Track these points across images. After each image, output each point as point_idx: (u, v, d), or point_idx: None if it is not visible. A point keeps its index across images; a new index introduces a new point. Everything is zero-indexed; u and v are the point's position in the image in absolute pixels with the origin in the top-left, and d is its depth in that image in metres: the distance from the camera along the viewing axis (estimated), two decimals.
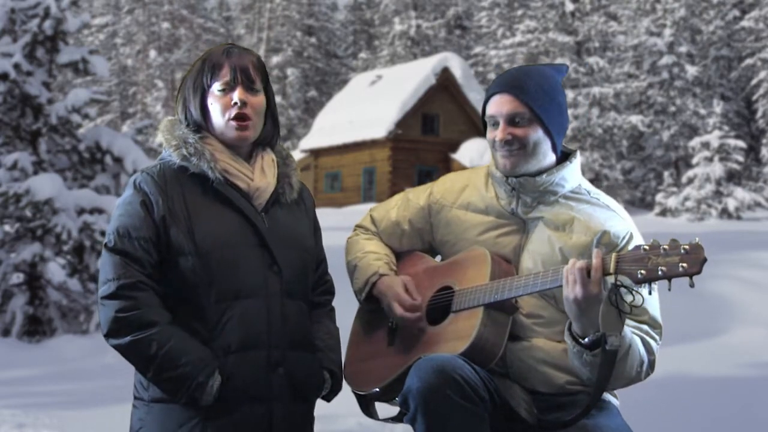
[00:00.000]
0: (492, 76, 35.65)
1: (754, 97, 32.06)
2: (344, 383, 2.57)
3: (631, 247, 2.28)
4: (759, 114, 31.63)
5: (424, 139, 29.96)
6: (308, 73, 45.08)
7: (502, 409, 2.27)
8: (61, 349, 8.77)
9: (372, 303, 2.60)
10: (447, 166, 28.84)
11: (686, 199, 24.40)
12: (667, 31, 30.71)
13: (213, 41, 46.26)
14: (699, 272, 2.06)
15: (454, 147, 29.62)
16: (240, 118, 2.37)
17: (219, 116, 2.39)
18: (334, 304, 2.67)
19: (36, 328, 9.52)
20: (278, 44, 44.78)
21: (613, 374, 2.24)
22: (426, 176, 28.79)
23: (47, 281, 9.56)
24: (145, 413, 2.33)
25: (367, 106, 30.64)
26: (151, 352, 2.23)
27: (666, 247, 2.10)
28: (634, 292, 2.19)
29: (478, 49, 40.10)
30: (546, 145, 2.44)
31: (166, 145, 2.41)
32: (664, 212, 25.04)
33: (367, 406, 2.62)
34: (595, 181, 26.44)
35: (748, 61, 32.55)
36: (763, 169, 30.07)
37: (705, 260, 2.06)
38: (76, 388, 7.13)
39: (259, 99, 2.42)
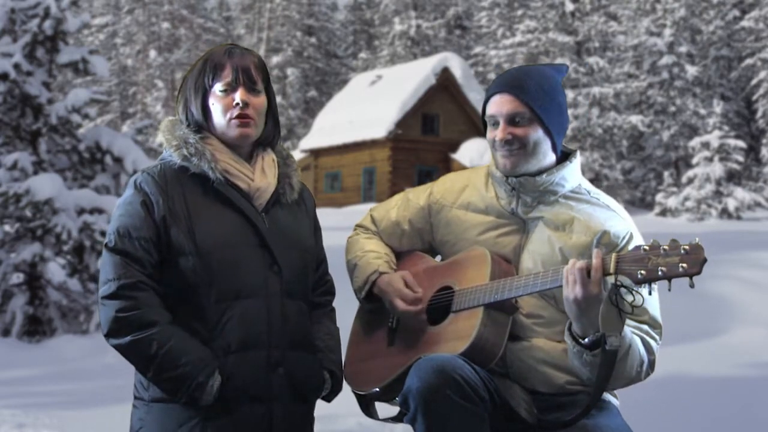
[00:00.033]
0: (492, 76, 35.65)
1: (754, 97, 32.06)
2: (344, 383, 2.57)
3: (631, 247, 2.28)
4: (759, 114, 31.64)
5: (424, 139, 29.96)
6: (308, 73, 45.09)
7: (502, 409, 2.27)
8: (61, 349, 8.77)
9: (372, 302, 2.60)
10: (447, 166, 28.84)
11: (686, 199, 24.41)
12: (667, 31, 30.71)
13: (213, 41, 46.26)
14: (699, 273, 2.06)
15: (454, 147, 29.63)
16: (241, 118, 2.37)
17: (220, 116, 2.39)
18: (334, 304, 2.67)
19: (36, 328, 9.52)
20: (278, 44, 44.79)
21: (613, 374, 2.24)
22: (426, 176, 28.79)
23: (47, 281, 9.56)
24: (145, 413, 2.33)
25: (367, 106, 30.65)
26: (151, 351, 2.23)
27: (666, 247, 2.11)
28: (634, 293, 2.19)
29: (478, 49, 40.11)
30: (546, 145, 2.44)
31: (167, 145, 2.41)
32: (664, 212, 25.05)
33: (367, 406, 2.62)
34: (595, 181, 26.45)
35: (748, 61, 32.55)
36: (763, 169, 30.07)
37: (705, 261, 2.06)
38: (76, 388, 7.13)
39: (261, 99, 2.42)
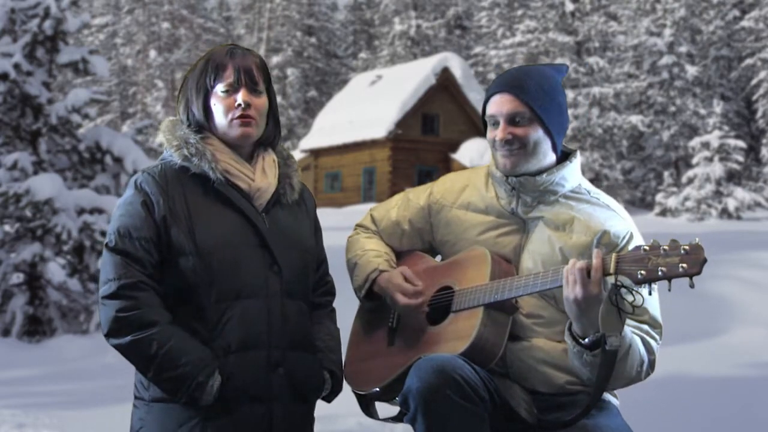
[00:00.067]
0: (492, 76, 35.65)
1: (754, 97, 32.06)
2: (344, 383, 2.57)
3: (631, 246, 2.28)
4: (759, 114, 31.64)
5: (424, 139, 29.96)
6: (308, 73, 45.09)
7: (502, 409, 2.27)
8: (61, 349, 8.78)
9: (371, 300, 2.60)
10: (447, 166, 28.84)
11: (686, 199, 24.41)
12: (667, 31, 30.71)
13: (213, 41, 46.26)
14: (699, 273, 2.06)
15: (454, 147, 29.63)
16: (243, 118, 2.38)
17: (222, 117, 2.39)
18: (334, 304, 2.68)
19: (36, 328, 9.52)
20: (278, 44, 44.79)
21: (614, 374, 2.24)
22: (426, 176, 28.79)
23: (47, 281, 9.56)
24: (146, 413, 2.33)
25: (367, 106, 30.65)
26: (151, 351, 2.23)
27: (666, 247, 2.11)
28: (634, 293, 2.19)
29: (478, 49, 40.11)
30: (546, 145, 2.44)
31: (167, 145, 2.41)
32: (664, 212, 25.05)
33: (367, 405, 2.62)
34: (595, 181, 26.45)
35: (748, 61, 32.55)
36: (763, 169, 30.08)
37: (705, 261, 2.06)
38: (76, 388, 7.13)
39: (262, 100, 2.43)
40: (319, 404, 2.52)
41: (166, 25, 46.49)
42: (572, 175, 2.48)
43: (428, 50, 39.67)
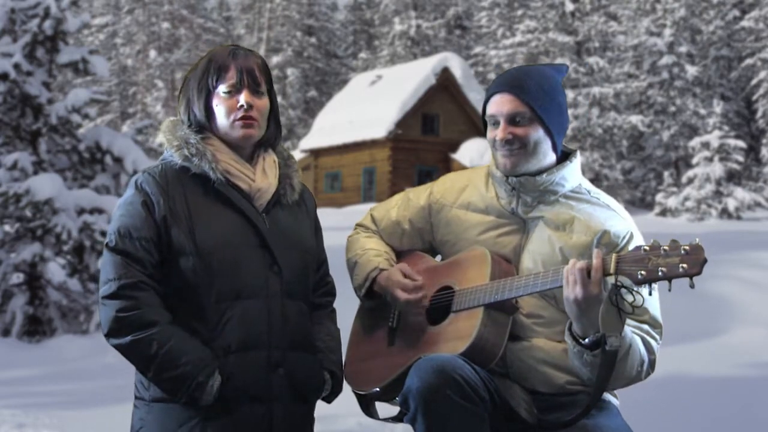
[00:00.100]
0: (492, 76, 35.65)
1: (754, 97, 32.06)
2: (344, 384, 2.57)
3: (631, 246, 2.28)
4: (759, 114, 31.64)
5: (424, 139, 29.96)
6: (308, 73, 45.08)
7: (502, 409, 2.27)
8: (61, 349, 8.78)
9: (372, 299, 2.60)
10: (447, 166, 28.83)
11: (686, 199, 24.41)
12: (667, 31, 30.71)
13: (213, 41, 46.26)
14: (699, 273, 2.06)
15: (454, 147, 29.63)
16: (245, 119, 2.38)
17: (224, 118, 2.39)
18: (334, 304, 2.67)
19: (36, 328, 9.53)
20: (278, 44, 44.78)
21: (614, 374, 2.24)
22: (426, 176, 28.78)
23: (47, 281, 9.56)
24: (146, 413, 2.33)
25: (367, 106, 30.64)
26: (151, 351, 2.24)
27: (666, 247, 2.11)
28: (634, 293, 2.19)
29: (478, 49, 40.10)
30: (546, 145, 2.44)
31: (168, 145, 2.41)
32: (664, 212, 25.05)
33: (367, 405, 2.62)
34: (595, 181, 26.44)
35: (748, 61, 32.55)
36: (763, 169, 30.07)
37: (705, 261, 2.06)
38: (76, 388, 7.13)
39: (264, 101, 2.43)
40: (319, 404, 2.52)
41: (166, 25, 46.49)
42: (572, 175, 2.48)
43: (428, 50, 39.67)
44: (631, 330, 2.31)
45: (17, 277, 9.94)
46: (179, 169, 2.39)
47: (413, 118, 29.62)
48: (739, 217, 23.53)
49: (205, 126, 2.42)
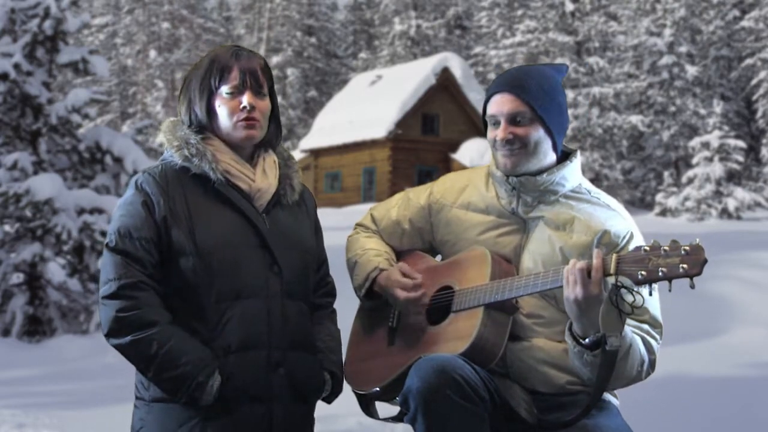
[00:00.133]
0: (492, 76, 35.64)
1: (754, 97, 32.06)
2: (344, 384, 2.57)
3: (631, 246, 2.28)
4: (759, 114, 31.64)
5: (424, 139, 29.96)
6: (308, 73, 45.08)
7: (502, 409, 2.27)
8: (61, 349, 8.78)
9: (372, 300, 2.60)
10: (447, 166, 28.83)
11: (686, 199, 24.41)
12: (667, 31, 30.71)
13: (213, 41, 46.25)
14: (699, 274, 2.06)
15: (454, 147, 29.63)
16: (248, 120, 2.38)
17: (227, 119, 2.39)
18: (335, 305, 2.67)
19: (36, 328, 9.53)
20: (278, 44, 44.78)
21: (614, 374, 2.24)
22: (426, 176, 28.78)
23: (47, 281, 9.56)
24: (146, 413, 2.33)
25: (367, 106, 30.64)
26: (151, 351, 2.24)
27: (667, 248, 2.11)
28: (634, 293, 2.19)
29: (478, 49, 40.10)
30: (547, 145, 2.44)
31: (168, 145, 2.42)
32: (664, 212, 25.04)
33: (367, 405, 2.62)
34: (595, 181, 26.44)
35: (748, 61, 32.55)
36: (763, 169, 30.07)
37: (705, 261, 2.06)
38: (76, 388, 7.13)
39: (266, 103, 2.43)
40: (319, 404, 2.52)
41: (166, 25, 46.48)
42: (572, 175, 2.48)
43: (428, 50, 39.66)
44: (631, 330, 2.31)
45: (17, 277, 9.94)
46: (179, 169, 2.39)
47: (413, 118, 29.62)
48: (739, 217, 23.53)
49: (206, 126, 2.43)
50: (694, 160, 25.45)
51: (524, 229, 2.47)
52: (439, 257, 2.67)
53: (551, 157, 2.47)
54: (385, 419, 2.55)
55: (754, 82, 32.03)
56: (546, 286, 2.29)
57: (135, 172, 9.41)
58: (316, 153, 32.40)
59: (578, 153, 2.53)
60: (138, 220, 2.32)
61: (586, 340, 2.22)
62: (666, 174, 26.64)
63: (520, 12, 35.62)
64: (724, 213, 23.67)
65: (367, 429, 5.06)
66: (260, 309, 2.34)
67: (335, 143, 31.15)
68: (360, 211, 21.12)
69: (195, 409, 2.27)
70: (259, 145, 2.47)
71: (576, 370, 2.30)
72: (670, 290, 2.11)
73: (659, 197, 25.60)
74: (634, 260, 2.13)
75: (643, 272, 2.11)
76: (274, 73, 41.73)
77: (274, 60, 43.04)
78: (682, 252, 2.08)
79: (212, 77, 2.39)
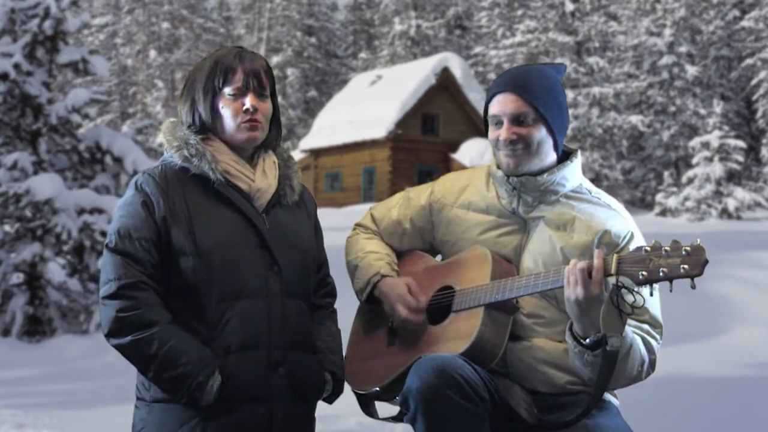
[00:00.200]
0: (492, 76, 35.66)
1: (754, 97, 32.07)
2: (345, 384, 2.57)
3: (632, 246, 2.28)
4: (759, 114, 31.64)
5: (424, 139, 29.96)
6: (308, 73, 45.08)
7: (502, 409, 2.27)
8: (61, 349, 8.78)
9: (373, 304, 2.59)
10: (447, 166, 28.83)
11: (686, 199, 24.41)
12: (667, 31, 30.72)
13: (213, 41, 46.25)
14: (700, 274, 2.06)
15: (454, 147, 29.63)
16: (251, 122, 2.39)
17: (230, 120, 2.40)
18: (335, 305, 2.67)
19: (36, 328, 9.53)
20: (278, 44, 44.78)
21: (615, 374, 2.24)
22: (426, 176, 28.78)
23: (47, 281, 9.56)
24: (147, 413, 2.33)
25: (367, 106, 30.64)
26: (151, 351, 2.24)
27: (667, 248, 2.10)
28: (635, 293, 2.19)
29: (478, 49, 40.10)
30: (548, 145, 2.44)
31: (168, 146, 2.42)
32: (664, 212, 25.05)
33: (367, 405, 2.62)
34: (595, 181, 26.44)
35: (748, 61, 32.55)
36: (763, 169, 30.08)
37: (706, 262, 2.06)
38: (76, 388, 7.13)
39: (268, 105, 2.44)
40: (319, 404, 2.52)
41: (166, 25, 46.48)
42: (573, 175, 2.48)
43: (428, 50, 39.66)
44: (631, 330, 2.31)
45: (17, 277, 9.94)
46: (179, 169, 2.39)
47: (413, 118, 29.62)
48: (739, 217, 23.53)
49: (209, 127, 2.43)
50: (694, 160, 25.46)
51: (525, 229, 2.47)
52: (439, 257, 2.66)
53: (552, 156, 2.47)
54: (385, 419, 2.55)
55: (754, 82, 32.03)
56: (547, 286, 2.28)
57: (135, 172, 9.44)
58: (316, 153, 32.40)
59: (579, 153, 2.53)
60: (138, 221, 2.32)
61: (587, 340, 2.22)
62: (666, 174, 26.65)
63: (520, 12, 35.63)
64: (724, 213, 23.67)
65: (367, 429, 5.06)
66: (260, 309, 2.34)
67: (335, 143, 31.15)
68: (360, 211, 21.12)
69: (195, 410, 2.27)
70: (259, 146, 2.47)
71: (577, 370, 2.30)
72: (671, 290, 2.11)
73: (659, 197, 25.60)
74: (635, 260, 2.13)
75: (644, 272, 2.11)
76: (274, 73, 41.68)
77: (274, 60, 43.05)
78: (683, 252, 2.07)
79: (216, 78, 2.40)
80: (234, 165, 2.40)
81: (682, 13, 31.79)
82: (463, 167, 19.39)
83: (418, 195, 2.68)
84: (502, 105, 2.43)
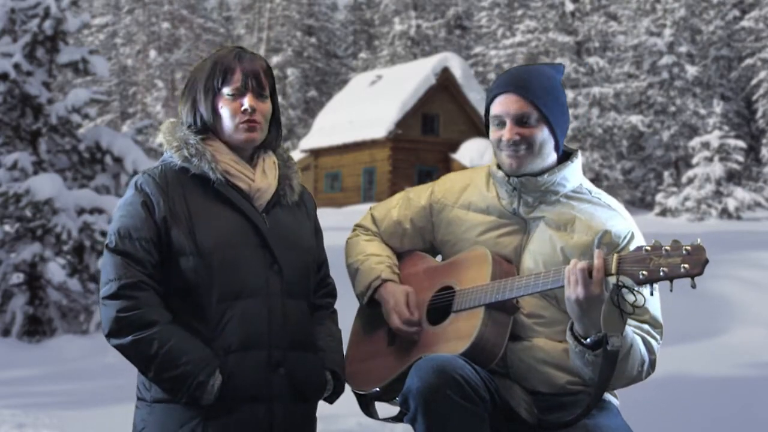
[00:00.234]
0: (492, 76, 35.66)
1: (754, 97, 32.07)
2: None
3: (632, 246, 2.28)
4: (759, 114, 31.64)
5: (424, 139, 29.96)
6: (308, 73, 45.08)
7: (502, 409, 2.27)
8: (61, 349, 8.78)
9: (373, 307, 2.59)
10: (447, 166, 28.84)
11: (686, 199, 24.41)
12: (667, 31, 30.72)
13: (213, 41, 46.25)
14: (700, 273, 2.06)
15: (454, 147, 29.62)
16: (249, 122, 2.39)
17: (228, 120, 2.40)
18: (335, 306, 2.67)
19: (36, 328, 9.52)
20: (278, 44, 44.78)
21: (615, 374, 2.24)
22: (426, 176, 28.78)
23: (47, 281, 9.56)
24: (148, 414, 2.33)
25: (367, 106, 30.64)
26: (152, 351, 2.24)
27: (668, 247, 2.10)
28: (635, 293, 2.19)
29: (478, 49, 40.10)
30: (551, 145, 2.44)
31: (167, 146, 2.42)
32: (664, 212, 25.05)
33: (367, 405, 2.62)
34: (595, 181, 26.44)
35: (748, 61, 32.56)
36: (763, 169, 30.08)
37: (707, 261, 2.06)
38: (76, 388, 7.13)
39: (267, 105, 2.44)
40: (320, 404, 2.52)
41: (166, 25, 46.48)
42: (573, 175, 2.48)
43: (428, 50, 39.66)
44: (631, 330, 2.31)
45: (17, 277, 9.94)
46: (179, 169, 2.39)
47: (413, 118, 29.62)
48: (739, 217, 23.53)
49: (210, 127, 2.43)
50: (694, 160, 25.46)
51: (525, 229, 2.47)
52: (439, 257, 2.66)
53: (553, 157, 2.47)
54: (385, 419, 2.55)
55: (754, 82, 32.03)
56: (547, 286, 2.28)
57: (135, 172, 9.44)
58: (316, 153, 32.40)
59: (579, 153, 2.53)
60: (138, 221, 2.32)
61: (588, 339, 2.22)
62: (666, 174, 26.65)
63: (520, 12, 35.63)
64: (724, 213, 23.67)
65: (367, 429, 5.06)
66: (260, 308, 2.34)
67: (335, 143, 31.15)
68: (360, 211, 21.12)
69: (196, 409, 2.27)
70: (259, 146, 2.47)
71: (577, 370, 2.30)
72: (671, 290, 2.11)
73: (659, 197, 25.61)
74: (636, 260, 2.13)
75: (644, 272, 2.11)
76: (274, 73, 41.63)
77: (274, 60, 43.05)
78: (684, 252, 2.07)
79: (215, 78, 2.40)
80: (234, 165, 2.41)
81: (682, 13, 31.80)
82: (463, 167, 19.39)
83: (419, 195, 2.68)
84: (505, 105, 2.43)
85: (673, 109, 30.43)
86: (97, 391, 6.85)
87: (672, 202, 24.76)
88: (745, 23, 33.17)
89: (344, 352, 2.61)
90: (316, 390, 2.45)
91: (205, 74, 2.42)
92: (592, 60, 29.33)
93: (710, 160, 24.85)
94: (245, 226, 2.37)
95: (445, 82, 29.84)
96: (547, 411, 2.35)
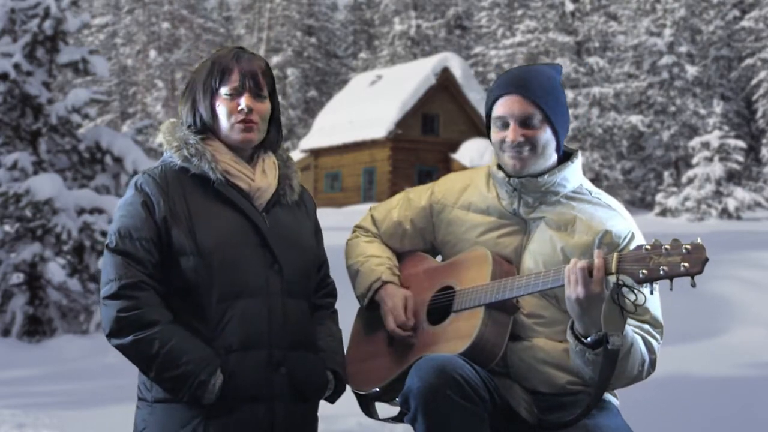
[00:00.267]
0: (492, 76, 35.66)
1: (754, 97, 32.08)
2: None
3: (632, 246, 2.28)
4: (759, 114, 31.65)
5: (424, 139, 29.96)
6: (308, 73, 45.08)
7: (502, 409, 2.27)
8: (61, 349, 8.77)
9: (374, 310, 2.60)
10: (447, 166, 28.84)
11: (686, 199, 24.42)
12: (667, 31, 30.72)
13: (213, 41, 46.26)
14: (700, 272, 2.06)
15: (454, 147, 29.63)
16: (245, 123, 2.39)
17: (225, 120, 2.40)
18: (336, 306, 2.67)
19: (36, 328, 9.52)
20: (278, 44, 44.78)
21: (615, 373, 2.24)
22: (426, 176, 28.78)
23: (47, 281, 9.56)
24: (148, 413, 2.33)
25: (367, 106, 30.64)
26: (152, 351, 2.24)
27: (668, 246, 2.10)
28: (635, 292, 2.19)
29: (478, 49, 40.11)
30: (552, 146, 2.45)
31: (167, 146, 2.43)
32: (664, 212, 25.05)
33: (367, 405, 2.62)
34: (595, 181, 26.44)
35: (748, 61, 32.56)
36: (763, 169, 30.08)
37: (707, 260, 2.06)
38: (76, 388, 7.13)
39: (265, 105, 2.44)
40: (320, 404, 2.52)
41: (166, 25, 46.48)
42: (574, 176, 2.48)
43: (428, 50, 39.66)
44: (632, 329, 2.31)
45: (17, 277, 9.93)
46: (179, 169, 2.40)
47: (413, 118, 29.62)
48: (739, 217, 23.54)
49: (210, 127, 2.43)
50: (694, 160, 25.47)
51: (525, 229, 2.47)
52: (439, 258, 2.66)
53: (554, 157, 2.47)
54: (385, 419, 2.55)
55: (754, 82, 32.04)
56: (547, 285, 2.28)
57: (135, 172, 9.43)
58: (316, 153, 32.40)
59: (579, 153, 2.53)
60: (138, 221, 2.32)
61: (588, 338, 2.22)
62: (666, 174, 26.66)
63: (520, 12, 35.63)
64: (724, 213, 23.68)
65: (367, 429, 5.06)
66: (261, 308, 2.34)
67: (335, 143, 31.15)
68: (360, 211, 21.13)
69: (197, 409, 2.27)
70: (259, 146, 2.48)
71: (577, 369, 2.30)
72: (671, 289, 2.11)
73: (659, 197, 25.61)
74: (636, 259, 2.13)
75: (644, 271, 2.11)
76: (274, 73, 41.75)
77: (274, 60, 43.05)
78: (684, 251, 2.08)
79: (213, 78, 2.40)
80: (234, 164, 2.41)
81: (682, 13, 31.80)
82: (463, 167, 19.40)
83: (419, 196, 2.68)
84: (508, 107, 2.42)
85: (673, 109, 30.43)
86: (97, 391, 6.85)
87: (672, 202, 24.76)
88: (745, 23, 33.18)
89: (344, 352, 2.61)
90: (316, 390, 2.45)
91: (204, 74, 2.42)
92: (592, 60, 29.33)
93: (710, 160, 24.85)
94: (245, 226, 2.37)
95: (445, 82, 29.84)
96: (547, 411, 2.35)
